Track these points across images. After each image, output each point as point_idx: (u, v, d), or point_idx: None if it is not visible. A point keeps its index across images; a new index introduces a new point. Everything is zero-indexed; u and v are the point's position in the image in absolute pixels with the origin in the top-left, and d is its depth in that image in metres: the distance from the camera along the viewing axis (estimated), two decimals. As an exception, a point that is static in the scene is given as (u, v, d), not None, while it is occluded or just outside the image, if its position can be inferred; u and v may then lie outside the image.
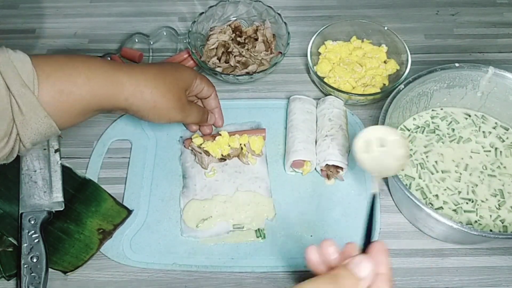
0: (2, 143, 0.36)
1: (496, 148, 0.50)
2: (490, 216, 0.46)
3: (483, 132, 0.51)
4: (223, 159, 0.50)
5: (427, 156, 0.49)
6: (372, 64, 0.56)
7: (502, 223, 0.45)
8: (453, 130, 0.51)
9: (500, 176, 0.48)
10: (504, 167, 0.49)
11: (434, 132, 0.51)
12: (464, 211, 0.46)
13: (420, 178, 0.48)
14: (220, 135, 0.50)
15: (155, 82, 0.42)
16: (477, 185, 0.47)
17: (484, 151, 0.50)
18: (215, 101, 0.51)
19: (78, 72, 0.38)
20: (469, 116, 0.52)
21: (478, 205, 0.46)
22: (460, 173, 0.48)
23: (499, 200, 0.46)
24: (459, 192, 0.47)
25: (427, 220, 0.43)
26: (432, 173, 0.48)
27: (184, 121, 0.48)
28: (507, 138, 0.51)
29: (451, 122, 0.52)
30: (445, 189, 0.47)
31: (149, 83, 0.41)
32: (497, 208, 0.46)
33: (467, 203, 0.46)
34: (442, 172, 0.48)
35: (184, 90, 0.45)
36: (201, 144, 0.50)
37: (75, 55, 0.41)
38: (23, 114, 0.36)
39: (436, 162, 0.49)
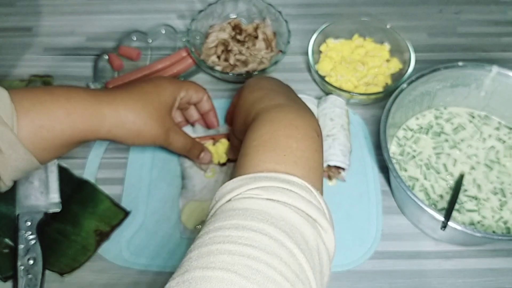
0: None
1: (497, 151, 0.49)
2: (493, 216, 0.45)
3: (487, 132, 0.50)
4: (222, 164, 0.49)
5: (433, 157, 0.49)
6: (375, 62, 0.56)
7: (505, 224, 0.45)
8: (458, 131, 0.51)
9: (500, 174, 0.47)
10: (504, 165, 0.48)
11: (440, 135, 0.50)
12: (467, 211, 0.45)
13: (425, 178, 0.47)
14: (213, 138, 0.49)
15: (136, 111, 0.40)
16: (480, 185, 0.47)
17: (487, 149, 0.49)
18: (208, 104, 0.49)
19: (58, 106, 0.37)
20: (473, 117, 0.51)
21: (481, 204, 0.46)
22: (466, 173, 0.47)
23: (500, 200, 0.46)
24: (465, 190, 0.46)
25: (430, 221, 0.42)
26: (438, 173, 0.47)
27: (168, 147, 0.45)
28: (510, 138, 0.50)
29: (455, 123, 0.51)
30: (450, 188, 0.46)
31: (131, 112, 0.40)
32: (499, 209, 0.45)
33: (470, 200, 0.46)
34: (447, 171, 0.48)
35: (168, 111, 0.43)
36: None
37: (54, 87, 0.40)
38: (2, 152, 0.34)
39: (444, 164, 0.48)
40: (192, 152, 0.47)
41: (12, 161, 0.35)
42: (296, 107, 0.38)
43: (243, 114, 0.41)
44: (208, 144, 0.49)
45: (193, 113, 0.50)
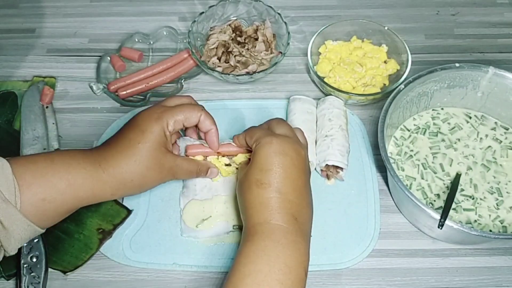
0: None
1: (494, 151, 0.50)
2: (489, 215, 0.46)
3: (483, 132, 0.51)
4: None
5: (430, 157, 0.49)
6: (373, 64, 0.56)
7: (502, 223, 0.45)
8: (455, 130, 0.51)
9: (496, 174, 0.48)
10: (500, 165, 0.49)
11: (437, 135, 0.51)
12: (464, 210, 0.46)
13: (422, 178, 0.48)
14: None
15: (132, 170, 0.40)
16: (476, 185, 0.47)
17: (484, 150, 0.50)
18: (206, 124, 0.45)
19: (59, 178, 0.38)
20: (470, 117, 0.52)
21: (477, 203, 0.46)
22: (462, 172, 0.48)
23: (497, 199, 0.46)
24: (462, 190, 0.47)
25: (427, 220, 0.43)
26: (435, 173, 0.48)
27: (175, 179, 0.45)
28: (506, 138, 0.51)
29: (452, 123, 0.52)
30: (447, 187, 0.47)
31: (127, 174, 0.40)
32: (495, 208, 0.46)
33: (467, 199, 0.46)
34: (444, 171, 0.48)
35: (164, 151, 0.42)
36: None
37: (54, 155, 0.41)
38: (5, 228, 0.36)
39: (440, 163, 0.49)
40: (199, 174, 0.46)
41: (16, 234, 0.37)
42: (293, 236, 0.37)
43: (244, 203, 0.40)
44: (213, 158, 0.47)
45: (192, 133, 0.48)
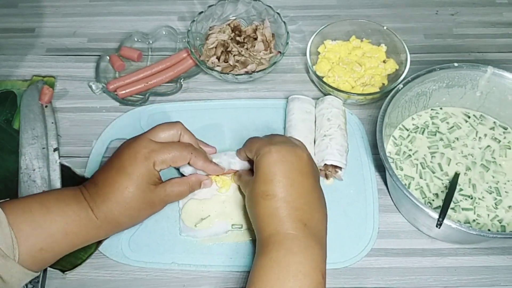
0: None
1: (493, 150, 0.50)
2: (488, 215, 0.46)
3: (482, 132, 0.51)
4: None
5: (428, 156, 0.49)
6: (371, 63, 0.56)
7: (500, 223, 0.45)
8: (453, 130, 0.51)
9: (495, 174, 0.48)
10: (500, 164, 0.49)
11: (436, 135, 0.51)
12: (462, 209, 0.46)
13: (421, 177, 0.48)
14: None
15: (123, 213, 0.41)
16: (475, 185, 0.47)
17: (483, 149, 0.50)
18: (200, 163, 0.44)
19: (57, 228, 0.39)
20: (468, 117, 0.52)
21: (476, 203, 0.46)
22: (461, 172, 0.48)
23: (495, 199, 0.46)
24: (460, 189, 0.47)
25: (425, 219, 0.43)
26: (434, 172, 0.48)
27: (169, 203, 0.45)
28: (505, 138, 0.51)
29: (450, 123, 0.52)
30: (445, 187, 0.47)
31: (119, 216, 0.41)
32: (494, 207, 0.46)
33: (466, 199, 0.46)
34: (443, 170, 0.48)
35: (152, 189, 0.41)
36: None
37: (49, 201, 0.40)
38: (5, 281, 0.37)
39: (439, 163, 0.49)
40: (192, 190, 0.46)
41: (15, 283, 0.37)
42: (304, 242, 0.37)
43: (253, 214, 0.40)
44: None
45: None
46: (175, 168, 0.47)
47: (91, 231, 0.41)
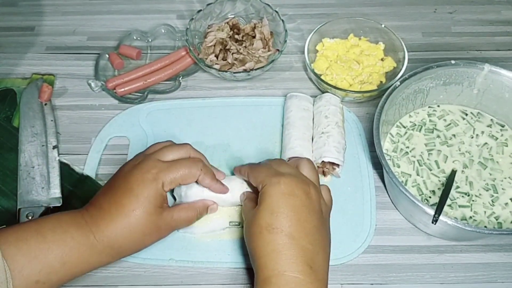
0: None
1: (490, 147, 0.50)
2: (485, 212, 0.46)
3: (479, 129, 0.51)
4: None
5: (425, 153, 0.49)
6: (369, 61, 0.56)
7: (497, 220, 0.46)
8: (451, 127, 0.51)
9: (492, 171, 0.48)
10: (497, 162, 0.49)
11: (433, 132, 0.51)
12: (459, 206, 0.46)
13: (418, 174, 0.48)
14: None
15: (126, 238, 0.38)
16: (472, 182, 0.48)
17: (481, 147, 0.50)
18: (208, 181, 0.42)
19: (54, 257, 0.36)
20: (466, 114, 0.52)
21: (473, 200, 0.46)
22: (458, 169, 0.48)
23: (492, 196, 0.47)
24: (457, 187, 0.47)
25: (422, 216, 0.43)
26: (430, 169, 0.48)
27: (176, 230, 0.44)
28: (502, 135, 0.51)
29: (448, 120, 0.52)
30: (442, 184, 0.47)
31: (121, 242, 0.38)
32: (491, 204, 0.46)
33: (463, 196, 0.47)
34: (439, 167, 0.48)
35: (157, 212, 0.39)
36: None
37: (45, 228, 0.37)
38: None
39: (435, 160, 0.49)
40: (200, 216, 0.44)
41: None
42: (313, 286, 0.35)
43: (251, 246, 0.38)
44: None
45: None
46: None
47: (92, 258, 0.38)
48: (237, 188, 0.45)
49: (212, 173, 0.43)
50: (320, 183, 0.43)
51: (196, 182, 0.43)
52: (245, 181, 0.45)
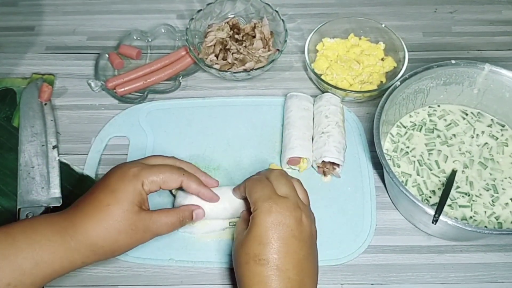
0: None
1: (491, 147, 0.50)
2: (485, 212, 0.46)
3: (480, 129, 0.51)
4: None
5: (426, 153, 0.49)
6: (370, 61, 0.56)
7: (497, 220, 0.45)
8: (451, 127, 0.51)
9: (492, 171, 0.48)
10: (497, 162, 0.49)
11: (433, 132, 0.51)
12: (459, 206, 0.46)
13: (418, 174, 0.48)
14: None
15: (101, 235, 0.37)
16: (472, 182, 0.48)
17: (481, 147, 0.50)
18: (194, 186, 0.42)
19: (24, 258, 0.35)
20: (466, 114, 0.52)
21: (473, 200, 0.46)
22: (458, 169, 0.48)
23: (492, 196, 0.47)
24: (457, 187, 0.47)
25: (422, 216, 0.43)
26: (431, 169, 0.48)
27: (157, 236, 0.41)
28: (502, 135, 0.51)
29: (448, 120, 0.52)
30: (442, 184, 0.47)
31: (96, 239, 0.37)
32: (491, 204, 0.46)
33: (463, 196, 0.47)
34: (440, 167, 0.48)
35: (136, 212, 0.38)
36: None
37: (15, 230, 0.36)
38: None
39: (436, 160, 0.49)
40: (183, 222, 0.42)
41: None
42: None
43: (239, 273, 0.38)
44: None
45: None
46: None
47: (65, 256, 0.36)
48: (230, 199, 0.44)
49: (197, 179, 0.42)
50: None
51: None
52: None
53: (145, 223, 0.39)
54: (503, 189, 0.47)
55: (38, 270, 0.35)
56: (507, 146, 0.50)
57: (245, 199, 0.43)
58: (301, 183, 0.43)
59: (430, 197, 0.47)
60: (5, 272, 0.34)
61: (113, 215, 0.37)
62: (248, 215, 0.42)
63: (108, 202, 0.38)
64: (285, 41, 0.57)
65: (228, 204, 0.44)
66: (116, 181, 0.39)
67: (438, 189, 0.47)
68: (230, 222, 0.47)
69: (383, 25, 0.57)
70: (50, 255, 0.36)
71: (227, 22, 0.61)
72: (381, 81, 0.56)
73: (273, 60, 0.56)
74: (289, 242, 0.37)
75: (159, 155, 0.44)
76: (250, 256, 0.37)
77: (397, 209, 0.48)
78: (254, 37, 0.59)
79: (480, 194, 0.47)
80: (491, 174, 0.48)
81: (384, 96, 0.47)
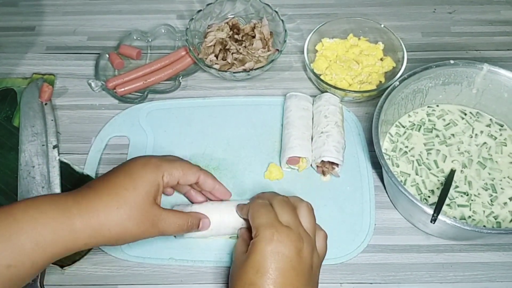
0: None
1: (490, 147, 0.50)
2: (484, 211, 0.46)
3: (478, 129, 0.51)
4: None
5: (424, 153, 0.50)
6: (369, 61, 0.57)
7: (495, 219, 0.46)
8: (450, 127, 0.52)
9: (491, 171, 0.48)
10: (496, 161, 0.49)
11: (432, 131, 0.51)
12: (458, 206, 0.46)
13: (417, 174, 0.48)
14: None
15: (110, 218, 0.36)
16: (471, 182, 0.48)
17: (480, 146, 0.50)
18: (208, 183, 0.43)
19: (26, 238, 0.34)
20: (465, 114, 0.52)
21: (472, 199, 0.47)
22: (457, 169, 0.48)
23: (491, 195, 0.47)
24: (456, 186, 0.47)
25: (421, 215, 0.43)
26: (429, 169, 0.48)
27: (162, 235, 0.40)
28: (501, 135, 0.51)
29: (447, 119, 0.52)
30: (441, 183, 0.47)
31: (104, 220, 0.36)
32: (489, 204, 0.46)
33: (462, 196, 0.47)
34: (438, 167, 0.48)
35: (150, 203, 0.38)
36: None
37: (16, 209, 0.35)
38: None
39: (434, 160, 0.49)
40: (190, 228, 0.42)
41: None
42: None
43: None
44: None
45: (184, 187, 0.45)
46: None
47: (68, 236, 0.35)
48: (234, 216, 0.44)
49: (213, 176, 0.44)
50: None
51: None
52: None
53: (155, 218, 0.38)
54: (501, 188, 0.47)
55: (40, 250, 0.34)
56: (505, 145, 0.50)
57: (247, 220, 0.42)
58: (310, 208, 0.41)
59: (429, 196, 0.47)
60: (5, 253, 0.33)
61: (128, 200, 0.37)
62: (248, 235, 0.42)
63: (126, 186, 0.37)
64: (285, 41, 0.57)
65: (233, 221, 0.44)
66: (138, 168, 0.39)
67: (437, 188, 0.47)
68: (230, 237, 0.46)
69: (382, 25, 0.58)
70: (53, 234, 0.35)
71: (227, 23, 0.61)
72: (380, 81, 0.56)
73: (272, 60, 0.56)
74: (287, 274, 0.36)
75: (177, 156, 0.44)
76: (246, 283, 0.36)
77: (396, 208, 0.48)
78: (253, 37, 0.60)
79: (479, 194, 0.47)
80: (489, 174, 0.48)
81: (383, 96, 0.47)
